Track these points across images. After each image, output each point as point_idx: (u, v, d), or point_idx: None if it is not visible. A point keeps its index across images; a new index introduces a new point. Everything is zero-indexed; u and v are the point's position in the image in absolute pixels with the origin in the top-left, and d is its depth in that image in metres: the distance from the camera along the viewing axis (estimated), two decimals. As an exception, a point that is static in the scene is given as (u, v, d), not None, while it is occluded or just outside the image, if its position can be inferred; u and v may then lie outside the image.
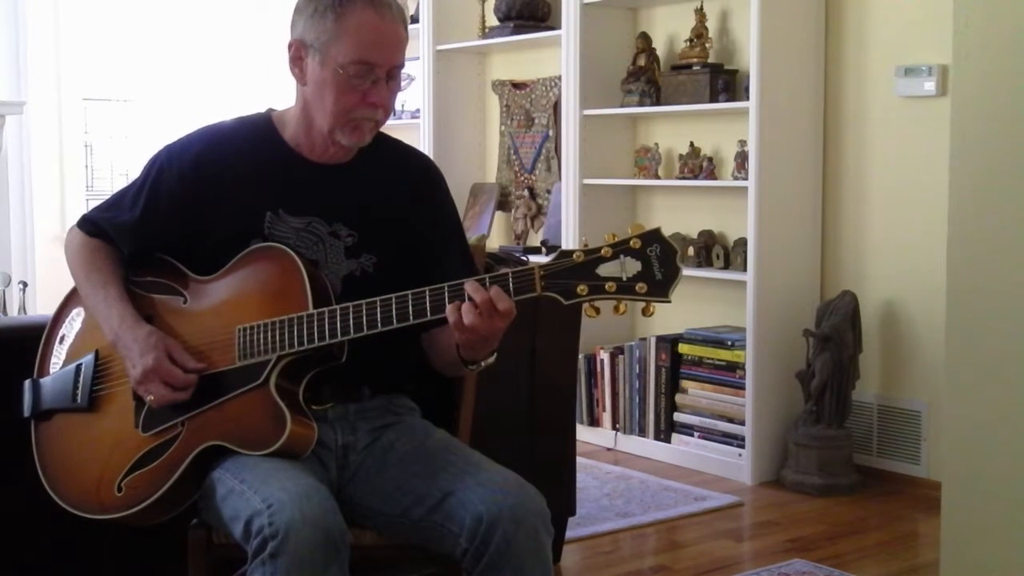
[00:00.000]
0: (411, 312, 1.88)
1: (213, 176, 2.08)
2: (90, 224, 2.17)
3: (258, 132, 2.12)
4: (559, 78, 4.86)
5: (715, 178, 4.40)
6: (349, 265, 2.08)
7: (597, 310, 1.81)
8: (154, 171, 2.12)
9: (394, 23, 2.01)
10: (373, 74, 1.99)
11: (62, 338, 2.20)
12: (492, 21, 5.24)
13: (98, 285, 2.10)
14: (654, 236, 1.78)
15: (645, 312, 1.80)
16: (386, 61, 2.00)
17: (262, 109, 2.19)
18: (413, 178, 2.17)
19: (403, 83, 2.10)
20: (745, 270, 4.15)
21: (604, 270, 1.78)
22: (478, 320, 1.82)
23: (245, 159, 2.09)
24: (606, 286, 1.77)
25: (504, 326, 1.86)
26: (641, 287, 1.76)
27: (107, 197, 2.21)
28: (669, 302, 1.77)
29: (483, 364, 2.01)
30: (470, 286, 1.83)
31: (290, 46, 2.06)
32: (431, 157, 5.56)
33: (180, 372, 1.99)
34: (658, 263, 1.77)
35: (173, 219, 2.09)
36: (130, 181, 2.18)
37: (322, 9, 2.00)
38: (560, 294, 1.79)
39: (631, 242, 1.78)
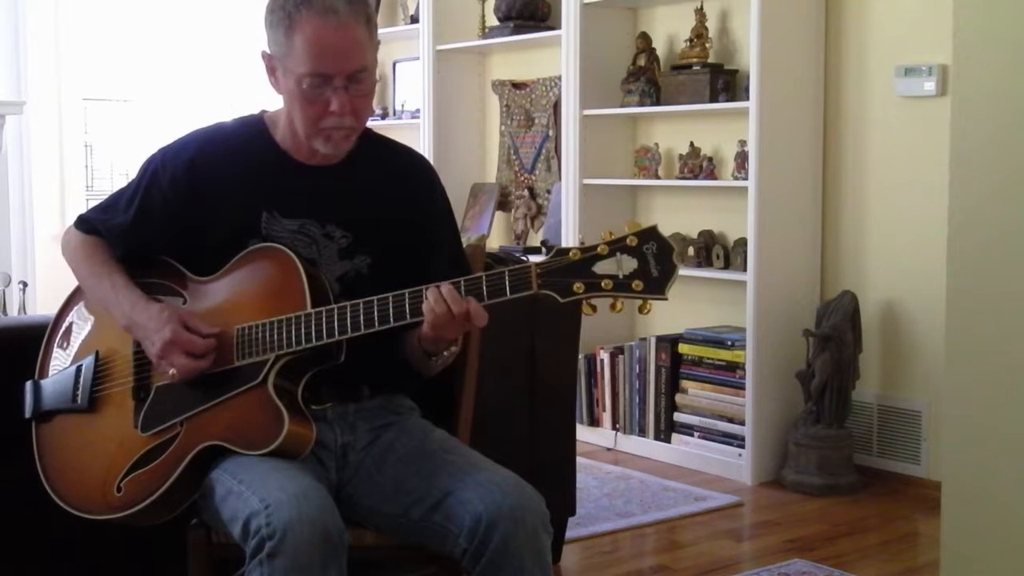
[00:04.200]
0: (408, 310, 1.88)
1: (207, 178, 2.08)
2: (86, 224, 2.17)
3: (251, 134, 2.12)
4: (559, 78, 4.86)
5: (715, 178, 4.40)
6: (343, 266, 2.08)
7: (594, 308, 1.81)
8: (148, 174, 2.12)
9: (346, 27, 1.95)
10: (331, 84, 1.97)
11: (63, 340, 2.20)
12: (492, 21, 5.24)
13: (103, 276, 2.11)
14: (651, 233, 1.78)
15: (642, 310, 1.80)
16: (340, 70, 1.96)
17: (259, 110, 2.19)
18: (408, 177, 2.17)
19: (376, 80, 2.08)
20: (745, 270, 4.15)
21: (601, 268, 1.78)
22: (450, 322, 1.86)
23: (239, 161, 2.09)
24: (602, 284, 1.77)
25: (473, 327, 1.90)
26: (638, 284, 1.77)
27: (104, 198, 2.21)
28: (666, 299, 1.77)
29: (445, 354, 2.04)
30: (447, 290, 1.85)
31: (263, 57, 2.05)
32: (431, 157, 5.55)
33: (199, 339, 1.98)
34: (655, 260, 1.77)
35: (167, 221, 2.09)
36: (128, 182, 2.18)
37: (276, 22, 1.99)
38: (556, 292, 1.79)
39: (627, 239, 1.78)
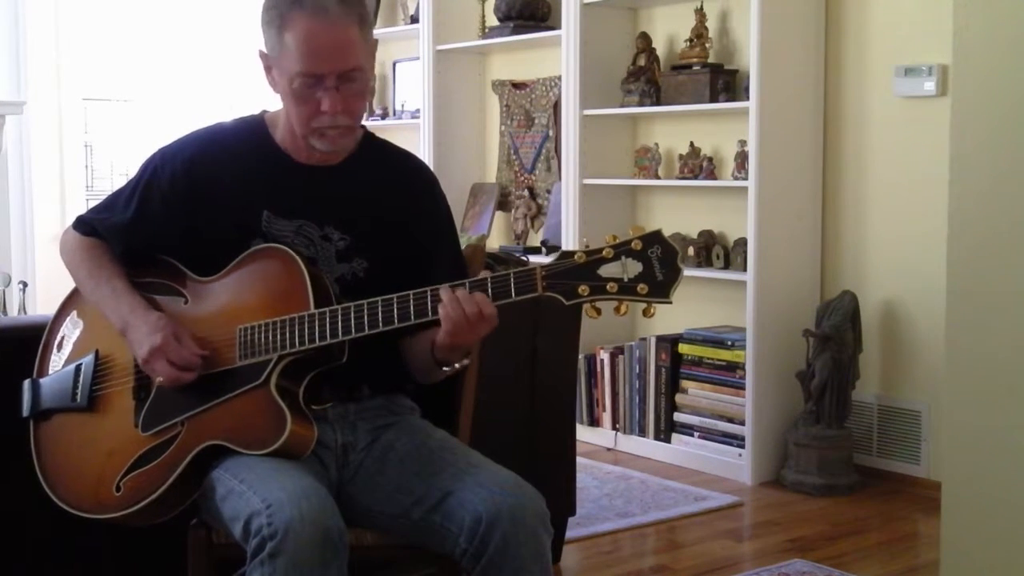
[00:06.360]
0: (412, 311, 1.88)
1: (207, 178, 2.08)
2: (85, 225, 2.17)
3: (251, 134, 2.12)
4: (559, 78, 4.86)
5: (715, 178, 4.40)
6: (340, 268, 2.08)
7: (598, 311, 1.82)
8: (147, 173, 2.12)
9: (338, 27, 1.95)
10: (322, 84, 1.97)
11: (61, 339, 2.19)
12: (492, 21, 5.24)
13: (103, 280, 2.10)
14: (655, 238, 1.79)
15: (646, 313, 1.81)
16: (331, 69, 1.96)
17: (259, 111, 2.19)
18: (407, 182, 2.17)
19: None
20: (745, 270, 4.15)
21: (605, 271, 1.79)
22: (464, 326, 1.84)
23: (239, 161, 2.09)
24: (607, 287, 1.78)
25: (486, 331, 1.88)
26: (642, 288, 1.77)
27: (103, 199, 2.21)
28: (670, 303, 1.78)
29: (457, 366, 2.02)
30: (461, 293, 1.84)
31: (260, 57, 2.06)
32: (431, 157, 5.55)
33: (185, 351, 1.99)
34: (659, 264, 1.78)
35: (166, 221, 2.09)
36: (127, 182, 2.18)
37: (269, 22, 1.99)
38: (561, 294, 1.80)
39: (632, 243, 1.79)
